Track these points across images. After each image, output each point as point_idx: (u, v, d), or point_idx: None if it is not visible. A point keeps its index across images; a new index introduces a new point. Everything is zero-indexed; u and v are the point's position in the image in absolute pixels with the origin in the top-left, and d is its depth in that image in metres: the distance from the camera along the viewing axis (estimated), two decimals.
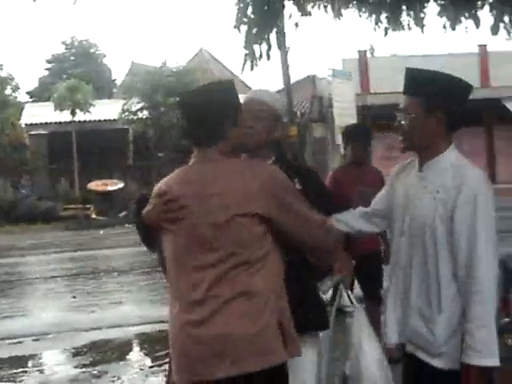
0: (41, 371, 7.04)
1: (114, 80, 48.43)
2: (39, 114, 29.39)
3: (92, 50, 47.49)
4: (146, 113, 27.54)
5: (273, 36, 7.92)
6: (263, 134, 3.25)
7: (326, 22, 68.14)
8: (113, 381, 6.43)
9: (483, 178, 2.78)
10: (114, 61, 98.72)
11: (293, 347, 2.66)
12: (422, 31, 8.00)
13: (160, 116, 27.25)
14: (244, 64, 7.86)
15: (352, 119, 20.28)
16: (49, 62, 47.14)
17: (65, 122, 28.34)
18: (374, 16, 8.22)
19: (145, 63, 38.27)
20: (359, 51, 27.09)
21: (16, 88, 31.93)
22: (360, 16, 8.33)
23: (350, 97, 20.83)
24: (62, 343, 7.89)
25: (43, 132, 29.03)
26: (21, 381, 6.64)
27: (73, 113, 27.77)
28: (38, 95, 42.58)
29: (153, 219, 2.73)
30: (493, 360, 2.64)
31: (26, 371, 6.98)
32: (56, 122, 28.76)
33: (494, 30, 7.64)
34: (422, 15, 7.90)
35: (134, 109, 27.60)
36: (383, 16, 8.14)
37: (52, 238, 21.16)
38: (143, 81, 27.84)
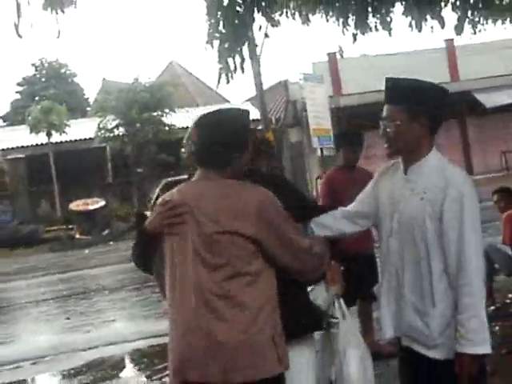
0: None
1: (87, 98, 48.10)
2: (14, 138, 29.20)
3: (62, 70, 47.05)
4: (122, 130, 27.48)
5: (245, 48, 8.00)
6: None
7: (294, 27, 68.27)
8: None
9: (467, 178, 2.92)
10: (85, 79, 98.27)
11: (286, 360, 2.79)
12: (390, 34, 7.98)
13: (136, 132, 27.25)
14: (219, 78, 7.95)
15: (326, 122, 20.45)
16: (20, 84, 46.67)
17: (41, 145, 28.33)
18: (341, 20, 8.28)
19: (116, 80, 38.34)
20: (328, 54, 27.19)
21: None
22: (327, 21, 8.39)
23: (323, 99, 20.95)
24: (60, 365, 7.86)
25: (20, 156, 28.90)
26: None
27: (48, 134, 27.63)
28: (11, 119, 42.34)
29: (155, 226, 2.91)
30: (484, 348, 2.78)
31: None
32: (32, 145, 28.72)
33: (458, 30, 7.72)
34: (389, 19, 7.95)
35: (109, 126, 27.51)
36: (350, 19, 8.19)
37: (36, 261, 20.99)
38: (117, 98, 27.77)
